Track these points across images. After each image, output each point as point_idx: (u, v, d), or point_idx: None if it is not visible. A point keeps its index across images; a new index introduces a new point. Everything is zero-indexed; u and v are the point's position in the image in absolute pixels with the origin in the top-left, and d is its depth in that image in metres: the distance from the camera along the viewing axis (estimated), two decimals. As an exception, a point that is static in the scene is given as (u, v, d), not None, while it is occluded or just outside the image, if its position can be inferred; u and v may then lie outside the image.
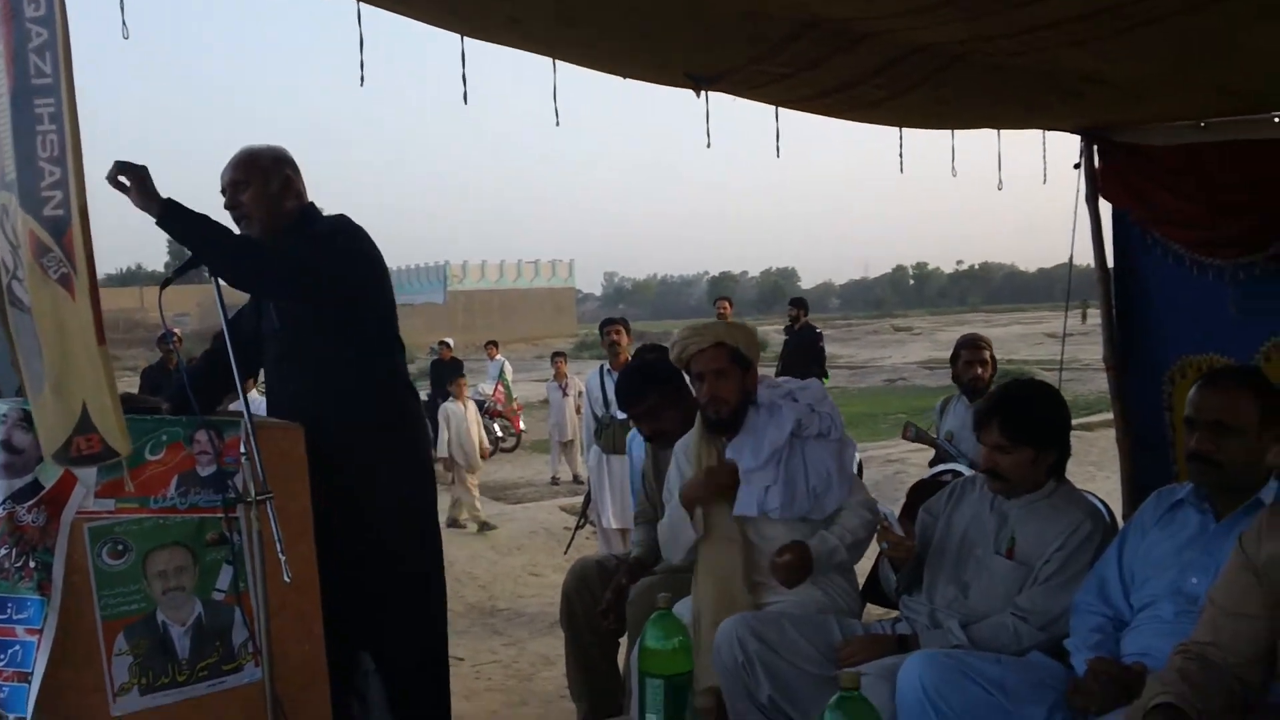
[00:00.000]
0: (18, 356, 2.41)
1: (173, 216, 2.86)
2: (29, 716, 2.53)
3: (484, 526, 9.96)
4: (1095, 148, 4.35)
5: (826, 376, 12.07)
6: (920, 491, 3.74)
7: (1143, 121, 4.10)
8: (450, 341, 17.50)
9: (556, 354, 14.62)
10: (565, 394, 13.48)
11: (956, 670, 2.48)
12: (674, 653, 2.44)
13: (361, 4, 3.02)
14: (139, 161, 2.82)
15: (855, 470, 3.55)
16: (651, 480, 4.20)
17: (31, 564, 2.58)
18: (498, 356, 17.78)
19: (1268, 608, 2.10)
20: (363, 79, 3.23)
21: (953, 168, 4.37)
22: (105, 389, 2.27)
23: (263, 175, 3.28)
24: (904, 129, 4.26)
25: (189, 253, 3.08)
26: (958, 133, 4.32)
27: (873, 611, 3.69)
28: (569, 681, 4.20)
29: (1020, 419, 2.96)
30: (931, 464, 5.30)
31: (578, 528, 8.05)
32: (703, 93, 3.72)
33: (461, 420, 11.13)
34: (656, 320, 75.09)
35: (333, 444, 3.11)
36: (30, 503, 2.60)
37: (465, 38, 3.40)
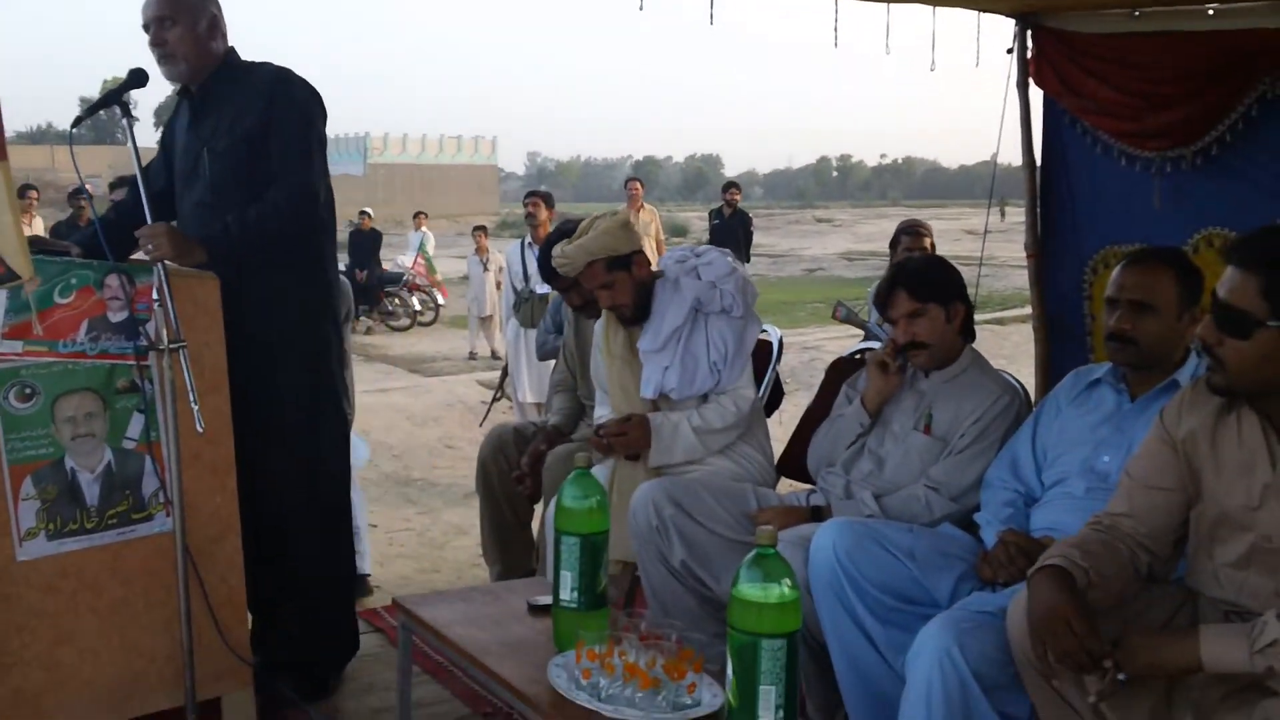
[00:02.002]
0: None
1: (216, 254, 2.96)
2: (-70, 557, 2.47)
3: None
4: (1029, 33, 4.33)
5: (748, 261, 12.14)
6: (839, 369, 3.78)
7: (1077, 6, 4.08)
8: (370, 212, 17.17)
9: (477, 228, 14.43)
10: (486, 269, 13.36)
11: (869, 537, 2.53)
12: (591, 512, 2.44)
13: None
14: None
15: (755, 351, 3.57)
16: (574, 350, 4.19)
17: (-68, 404, 2.49)
18: (423, 228, 17.50)
19: (1182, 481, 2.17)
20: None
21: (886, 45, 4.33)
22: (5, 209, 2.15)
23: (190, 13, 3.13)
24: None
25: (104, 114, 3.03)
26: (893, 7, 4.27)
27: (789, 485, 3.77)
28: (483, 546, 4.23)
29: (920, 279, 3.03)
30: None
31: (494, 400, 8.05)
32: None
33: None
34: (579, 203, 74.39)
35: (245, 296, 3.04)
36: (-68, 342, 2.50)
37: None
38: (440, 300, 16.87)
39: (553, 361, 5.65)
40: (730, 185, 13.08)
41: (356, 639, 3.57)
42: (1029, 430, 2.81)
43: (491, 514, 4.09)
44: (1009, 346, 10.91)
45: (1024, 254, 4.52)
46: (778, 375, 3.91)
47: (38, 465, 2.65)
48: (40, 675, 2.67)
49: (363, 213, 16.86)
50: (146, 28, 3.13)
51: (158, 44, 3.13)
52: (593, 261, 3.42)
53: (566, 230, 4.08)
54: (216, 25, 3.20)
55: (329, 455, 3.37)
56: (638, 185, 11.73)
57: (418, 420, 9.09)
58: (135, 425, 2.78)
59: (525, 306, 7.19)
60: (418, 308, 16.33)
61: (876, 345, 3.98)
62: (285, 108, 3.18)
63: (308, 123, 3.22)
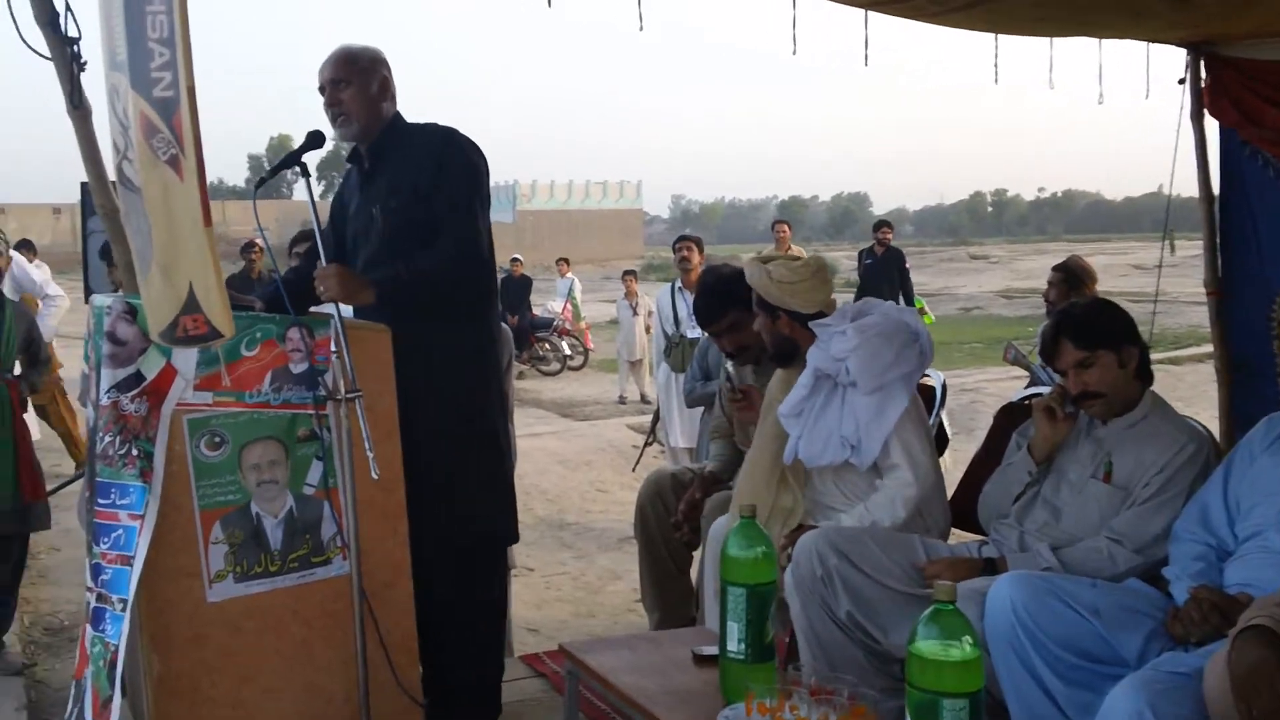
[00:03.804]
0: (126, 236, 2.43)
1: (384, 293, 3.08)
2: (130, 598, 2.61)
3: None
4: (1202, 63, 4.17)
5: (918, 302, 11.85)
6: (1009, 415, 3.67)
7: (1254, 34, 3.91)
8: (521, 258, 17.58)
9: (627, 272, 14.60)
10: (635, 313, 13.48)
11: (1049, 593, 2.43)
12: (757, 561, 2.43)
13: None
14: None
15: (930, 403, 3.49)
16: (728, 396, 4.18)
17: (134, 452, 2.64)
18: (568, 275, 17.81)
19: None
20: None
21: (1050, 79, 4.23)
22: (211, 270, 2.29)
23: (363, 75, 3.28)
24: (999, 35, 4.11)
25: (267, 165, 3.15)
26: (1056, 41, 4.17)
27: (957, 534, 3.66)
28: (641, 593, 4.24)
29: (1085, 327, 2.91)
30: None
31: (646, 445, 8.09)
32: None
33: None
34: (724, 244, 74.52)
35: (411, 347, 3.13)
36: (133, 393, 2.66)
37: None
38: (587, 345, 17.11)
39: (701, 407, 5.67)
40: (881, 224, 12.88)
41: (501, 670, 3.58)
42: (1220, 480, 2.66)
43: (650, 560, 4.10)
44: (1184, 388, 10.41)
45: (1199, 290, 4.33)
46: (941, 421, 3.83)
47: (226, 510, 2.78)
48: (227, 714, 2.79)
49: (514, 259, 17.26)
50: (322, 89, 3.29)
51: (333, 104, 3.29)
52: (750, 289, 3.45)
53: (721, 273, 4.10)
54: (387, 87, 3.34)
55: (486, 501, 3.41)
56: (785, 228, 11.67)
57: (570, 465, 9.19)
58: (315, 472, 2.89)
59: (676, 351, 7.21)
60: (568, 352, 16.59)
61: (1044, 390, 3.85)
62: (453, 168, 3.29)
63: (474, 182, 3.33)
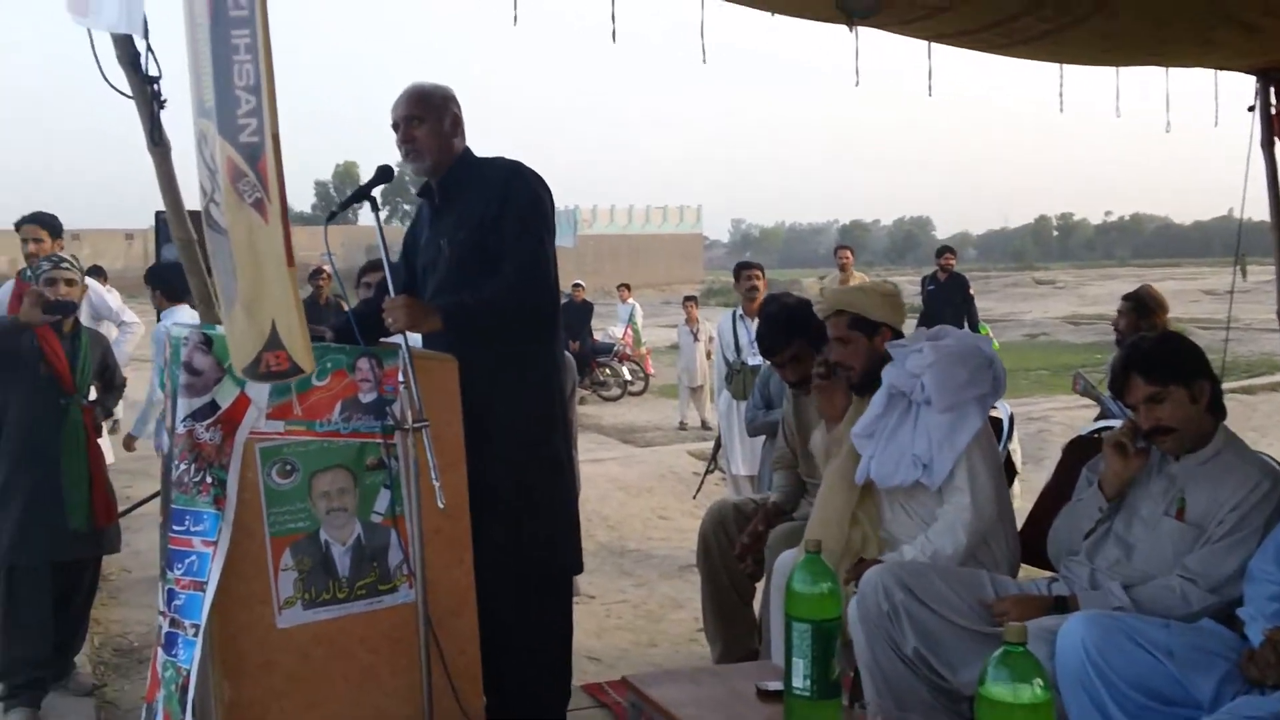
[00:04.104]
0: (213, 275, 2.50)
1: (450, 320, 3.14)
2: (203, 623, 2.66)
3: None
4: (1272, 89, 4.11)
5: (982, 328, 11.71)
6: (1078, 449, 3.61)
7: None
8: (583, 283, 17.67)
9: (688, 298, 14.62)
10: (696, 339, 13.48)
11: (1121, 633, 2.40)
12: (822, 597, 2.41)
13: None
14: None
15: (997, 434, 3.44)
16: (793, 427, 4.17)
17: (208, 479, 2.70)
18: (629, 300, 17.87)
19: None
20: (516, 18, 3.26)
21: (1117, 108, 4.19)
22: (293, 308, 2.35)
23: (436, 112, 3.36)
24: (1065, 65, 4.08)
25: (337, 196, 3.21)
26: (1122, 70, 4.14)
27: (1025, 570, 3.60)
28: (704, 623, 4.23)
29: (1155, 361, 2.86)
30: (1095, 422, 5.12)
31: (707, 473, 8.06)
32: (854, 28, 3.62)
33: None
34: (784, 269, 74.31)
35: (478, 376, 3.16)
36: (208, 422, 2.72)
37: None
38: (648, 371, 17.13)
39: (763, 436, 5.65)
40: (945, 249, 12.76)
41: (565, 699, 3.59)
42: (1297, 518, 2.60)
43: (713, 591, 4.08)
44: (1259, 418, 10.14)
45: (1272, 316, 4.24)
46: (1009, 453, 3.78)
47: (296, 538, 2.83)
48: (294, 739, 2.82)
49: (576, 285, 17.36)
50: (396, 126, 3.37)
51: (407, 140, 3.36)
52: (841, 312, 3.42)
53: (785, 303, 4.10)
54: (458, 124, 3.42)
55: (552, 530, 3.43)
56: (848, 254, 11.59)
57: (631, 491, 9.18)
58: (382, 500, 2.93)
59: (738, 379, 7.19)
60: (628, 377, 16.62)
61: (1115, 423, 3.79)
62: (518, 199, 3.35)
63: (538, 212, 3.38)
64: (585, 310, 16.97)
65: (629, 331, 17.27)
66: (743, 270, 7.44)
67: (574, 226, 59.83)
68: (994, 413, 3.59)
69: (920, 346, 3.33)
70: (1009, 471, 3.81)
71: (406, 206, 68.27)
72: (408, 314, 3.01)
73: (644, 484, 9.44)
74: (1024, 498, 3.76)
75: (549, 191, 3.44)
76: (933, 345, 3.32)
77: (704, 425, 13.15)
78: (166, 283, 5.87)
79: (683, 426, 13.44)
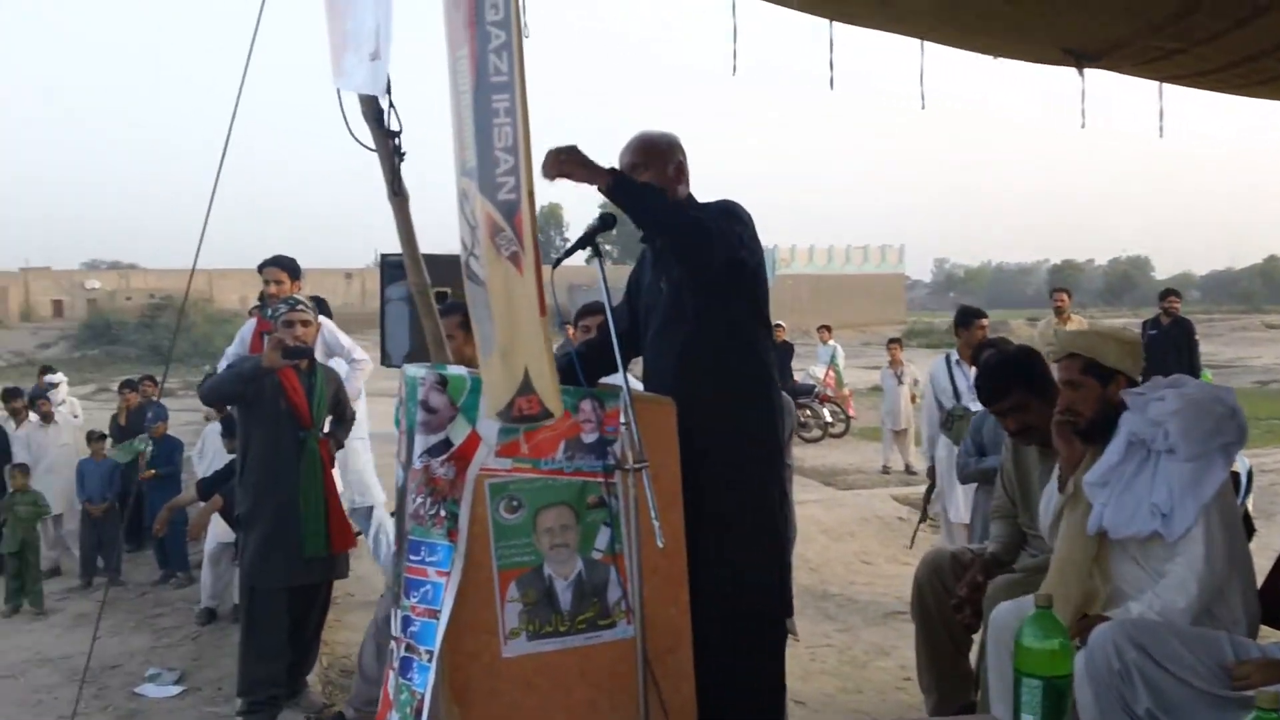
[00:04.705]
0: (473, 324, 2.67)
1: (619, 184, 3.14)
2: (436, 650, 2.79)
3: None
4: None
5: (1204, 375, 11.08)
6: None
7: None
8: (782, 324, 17.65)
9: (892, 340, 14.38)
10: (900, 382, 13.24)
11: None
12: (1054, 654, 2.35)
13: (735, -4, 3.10)
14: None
15: (1235, 488, 3.25)
16: (1012, 476, 4.05)
17: (442, 513, 2.85)
18: (830, 341, 17.72)
19: None
20: (735, 68, 3.33)
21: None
22: (545, 356, 2.48)
23: (660, 160, 3.46)
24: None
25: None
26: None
27: (1269, 634, 3.39)
28: (918, 673, 4.14)
29: None
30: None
31: (921, 522, 7.92)
32: (1083, 71, 3.55)
33: None
34: (991, 309, 71.91)
35: (696, 418, 3.21)
36: (442, 458, 2.87)
37: (833, 22, 3.41)
38: (849, 413, 16.90)
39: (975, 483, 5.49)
40: (1169, 292, 12.12)
41: None
42: None
43: (928, 640, 4.00)
44: None
45: None
46: (1246, 510, 3.57)
47: (521, 571, 2.95)
48: (516, 768, 2.92)
49: (776, 325, 17.30)
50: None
51: None
52: (1075, 355, 3.31)
53: (1006, 351, 4.00)
54: (682, 171, 3.52)
55: (767, 572, 3.43)
56: (1064, 296, 11.15)
57: (833, 534, 9.07)
58: (602, 537, 3.02)
59: (957, 424, 7.02)
60: (828, 419, 16.45)
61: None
62: (734, 234, 3.38)
63: (744, 242, 3.40)
64: (785, 351, 16.91)
65: (830, 373, 17.12)
66: (973, 318, 7.25)
67: (772, 266, 59.82)
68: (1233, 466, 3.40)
69: (1162, 394, 3.19)
70: (1247, 527, 3.59)
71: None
72: (575, 160, 3.03)
73: (846, 528, 9.31)
74: (1261, 555, 3.53)
75: (754, 228, 3.46)
76: (1176, 392, 3.17)
77: (908, 469, 12.88)
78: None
79: (886, 470, 13.20)
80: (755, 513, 3.39)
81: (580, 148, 3.09)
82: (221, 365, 6.30)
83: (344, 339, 6.89)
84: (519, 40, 2.38)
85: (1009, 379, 3.75)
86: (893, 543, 8.75)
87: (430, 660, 2.80)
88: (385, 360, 6.12)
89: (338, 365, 6.43)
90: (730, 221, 3.38)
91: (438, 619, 2.80)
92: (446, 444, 2.89)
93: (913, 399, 13.48)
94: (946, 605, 3.87)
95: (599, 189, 3.15)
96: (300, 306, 5.00)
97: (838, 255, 62.93)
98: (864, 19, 3.28)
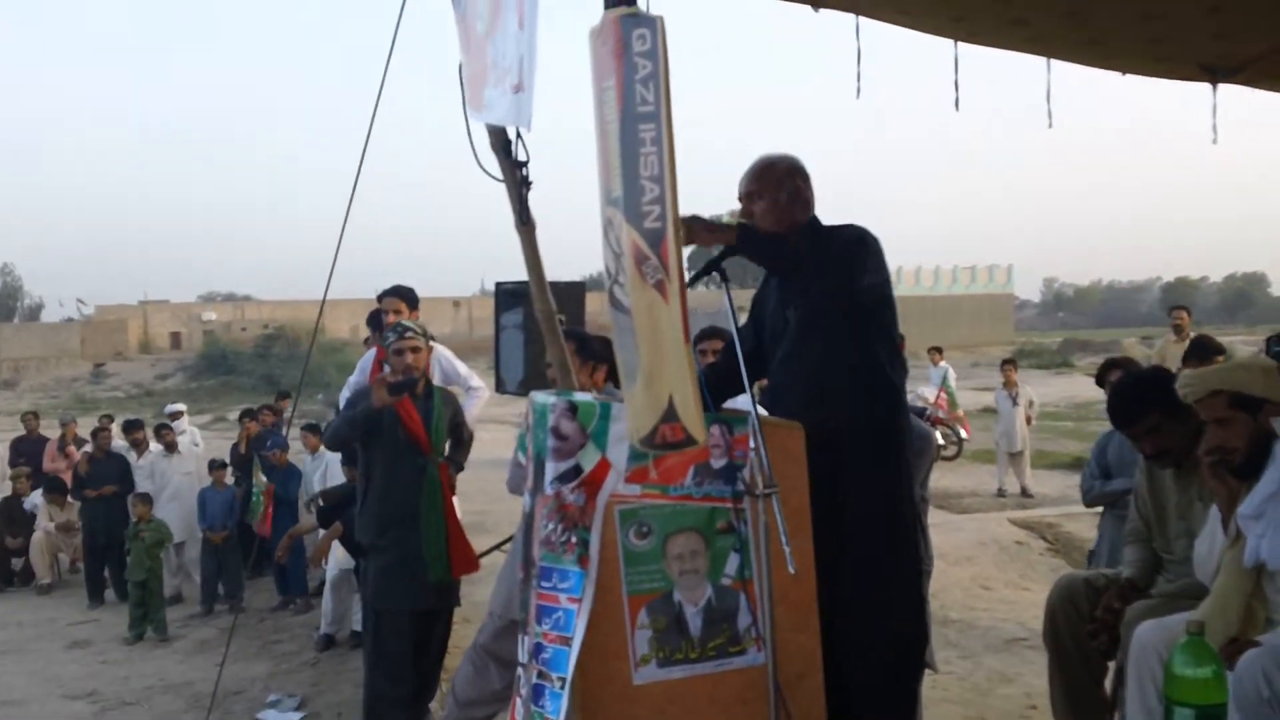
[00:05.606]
0: (617, 351, 2.70)
1: (743, 242, 3.29)
2: (569, 676, 2.81)
3: None
4: None
5: None
6: None
7: None
8: (894, 346, 17.39)
9: (1006, 361, 14.12)
10: (1015, 403, 12.97)
11: None
12: (1207, 682, 2.27)
13: (860, 17, 3.09)
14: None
15: None
16: (1147, 500, 3.94)
17: (573, 539, 2.88)
18: (941, 363, 17.44)
19: None
20: (859, 90, 3.32)
21: None
22: (689, 383, 2.50)
23: (775, 186, 3.47)
24: None
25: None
26: None
27: None
28: (1051, 701, 4.03)
29: None
30: None
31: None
32: (1217, 86, 3.46)
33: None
34: (1101, 329, 70.12)
35: (831, 445, 3.19)
36: (573, 484, 2.90)
37: (959, 43, 3.38)
38: (963, 435, 16.57)
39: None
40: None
41: None
42: None
43: (1061, 668, 3.90)
44: None
45: None
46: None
47: (651, 597, 2.95)
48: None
49: (888, 347, 17.09)
50: (740, 200, 3.53)
51: (745, 215, 3.51)
52: (1218, 392, 3.21)
53: (1140, 374, 3.90)
54: (798, 195, 3.50)
55: (905, 600, 3.40)
56: (1184, 314, 10.83)
57: (950, 559, 8.90)
58: (732, 563, 3.01)
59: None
60: (941, 442, 16.15)
61: None
62: (860, 261, 3.37)
63: (871, 268, 3.39)
64: (896, 373, 16.67)
65: (942, 395, 16.83)
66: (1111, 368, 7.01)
67: (880, 288, 59.04)
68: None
69: None
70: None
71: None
72: (701, 228, 3.19)
73: (963, 552, 9.14)
74: None
75: (881, 249, 3.43)
76: None
77: (1024, 492, 12.59)
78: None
79: (1001, 493, 12.93)
80: (895, 541, 3.35)
81: (700, 215, 3.25)
82: (344, 395, 6.45)
83: (461, 367, 7.00)
84: (665, 70, 2.41)
85: (1146, 401, 3.64)
86: (1011, 568, 8.56)
87: (563, 687, 2.82)
88: (500, 387, 6.19)
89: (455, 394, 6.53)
90: (857, 248, 3.37)
91: (570, 645, 2.82)
92: (577, 470, 2.91)
93: (1028, 420, 13.19)
94: (1081, 632, 3.77)
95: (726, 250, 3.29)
96: (409, 334, 5.09)
97: (945, 276, 61.98)
98: (993, 39, 3.24)
